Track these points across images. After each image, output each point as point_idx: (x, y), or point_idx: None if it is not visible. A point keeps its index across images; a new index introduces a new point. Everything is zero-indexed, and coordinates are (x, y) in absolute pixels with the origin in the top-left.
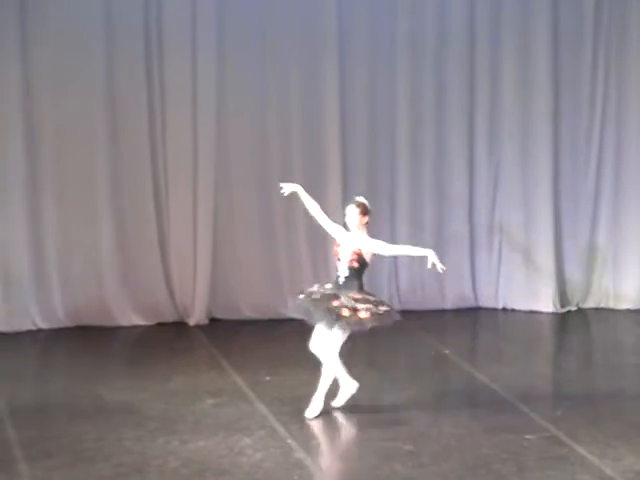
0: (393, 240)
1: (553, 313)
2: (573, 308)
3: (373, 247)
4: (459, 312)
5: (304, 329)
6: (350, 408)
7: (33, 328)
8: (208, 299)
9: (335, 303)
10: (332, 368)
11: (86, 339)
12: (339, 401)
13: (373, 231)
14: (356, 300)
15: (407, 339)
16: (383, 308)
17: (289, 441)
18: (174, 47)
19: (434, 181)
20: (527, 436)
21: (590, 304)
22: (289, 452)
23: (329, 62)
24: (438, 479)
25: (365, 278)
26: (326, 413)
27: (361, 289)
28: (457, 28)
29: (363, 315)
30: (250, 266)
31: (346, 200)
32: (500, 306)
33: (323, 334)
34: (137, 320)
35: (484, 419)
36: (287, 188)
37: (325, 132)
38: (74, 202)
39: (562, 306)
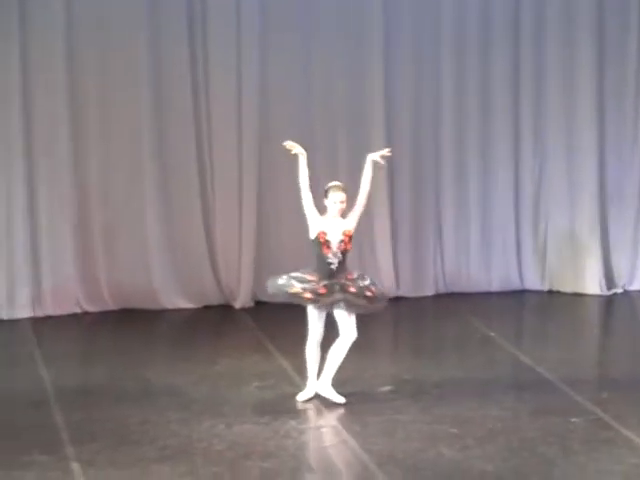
0: (438, 227)
1: (599, 295)
2: (619, 290)
3: (356, 217)
4: (505, 294)
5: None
6: (395, 391)
7: (79, 311)
8: (253, 282)
9: (353, 289)
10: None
11: (132, 322)
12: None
13: (422, 217)
14: (357, 279)
15: (453, 322)
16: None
17: (334, 423)
18: (218, 29)
19: (480, 167)
20: (573, 419)
21: (636, 286)
22: (334, 434)
23: (374, 49)
24: (483, 462)
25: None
26: (370, 396)
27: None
28: (502, 18)
29: (374, 289)
30: (295, 249)
31: (392, 191)
32: (546, 288)
33: (321, 324)
34: (183, 303)
35: (529, 402)
36: (294, 147)
37: (369, 122)
38: (120, 185)
39: (608, 288)
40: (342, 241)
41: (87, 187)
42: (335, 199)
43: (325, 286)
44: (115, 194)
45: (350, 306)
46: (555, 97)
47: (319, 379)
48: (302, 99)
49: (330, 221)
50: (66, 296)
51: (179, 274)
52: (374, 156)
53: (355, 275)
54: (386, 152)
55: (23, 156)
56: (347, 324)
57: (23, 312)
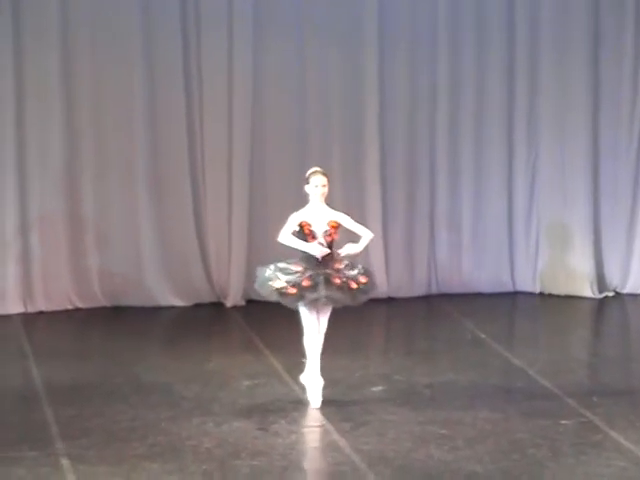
0: (430, 228)
1: (591, 298)
2: (610, 294)
3: (343, 220)
4: (496, 296)
5: (341, 311)
6: (386, 391)
7: (70, 307)
8: (245, 280)
9: (337, 281)
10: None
11: (123, 319)
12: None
13: (414, 218)
14: (344, 269)
15: (444, 323)
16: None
17: (324, 423)
18: (211, 24)
19: (473, 170)
20: (562, 421)
21: (628, 289)
22: (324, 434)
23: (368, 43)
24: (473, 463)
25: None
26: (361, 396)
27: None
28: (496, 12)
29: (363, 279)
30: (287, 247)
31: (384, 191)
32: (537, 291)
33: (314, 317)
34: (174, 301)
35: (519, 404)
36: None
37: (364, 115)
38: (112, 184)
39: (600, 291)
40: (327, 231)
41: (78, 184)
42: (316, 182)
43: (309, 277)
44: (107, 192)
45: (332, 301)
46: (549, 97)
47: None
48: (296, 94)
49: (314, 211)
50: (58, 292)
51: (170, 271)
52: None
53: (343, 265)
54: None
55: (15, 152)
56: (323, 319)
57: (14, 308)
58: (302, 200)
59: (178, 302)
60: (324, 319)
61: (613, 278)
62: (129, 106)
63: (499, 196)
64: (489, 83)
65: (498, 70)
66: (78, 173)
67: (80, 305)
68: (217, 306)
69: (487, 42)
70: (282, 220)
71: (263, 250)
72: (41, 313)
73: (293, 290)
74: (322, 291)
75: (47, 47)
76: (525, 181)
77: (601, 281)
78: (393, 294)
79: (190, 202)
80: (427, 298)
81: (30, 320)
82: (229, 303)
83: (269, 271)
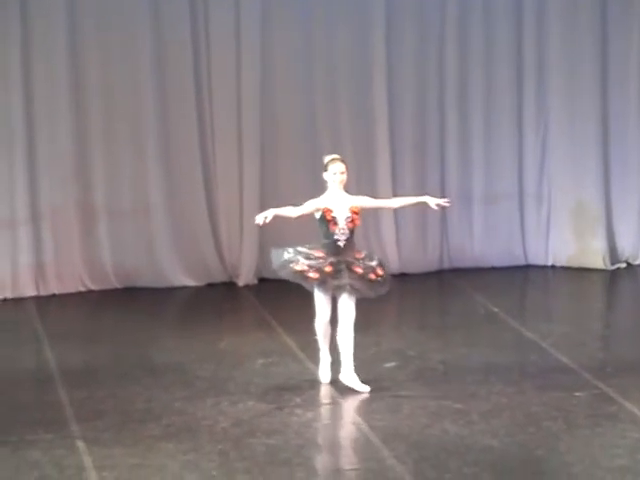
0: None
1: (603, 270)
2: (623, 265)
3: (365, 202)
4: (509, 270)
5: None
6: (399, 367)
7: (83, 290)
8: (257, 259)
9: (359, 270)
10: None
11: (135, 300)
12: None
13: (425, 193)
14: (364, 259)
15: (456, 297)
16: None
17: (339, 400)
18: (219, 6)
19: (484, 144)
20: (577, 393)
21: None
22: (339, 411)
23: (377, 21)
24: (488, 437)
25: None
26: (375, 373)
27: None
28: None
29: (380, 271)
30: (299, 226)
31: (395, 167)
32: (550, 263)
33: (329, 305)
34: (186, 281)
35: (534, 377)
36: (261, 218)
37: (372, 93)
38: (123, 163)
39: (612, 263)
40: (349, 217)
41: (90, 167)
42: (335, 170)
43: (332, 264)
44: (118, 174)
45: (354, 291)
46: (558, 76)
47: (341, 369)
48: (304, 73)
49: (334, 197)
50: (70, 275)
51: (182, 252)
52: (431, 200)
53: (363, 254)
54: (443, 202)
55: (24, 140)
56: (347, 306)
57: (27, 291)
58: (313, 178)
59: (190, 282)
60: (348, 308)
61: (625, 249)
62: (138, 90)
63: (510, 170)
64: (498, 58)
65: (507, 45)
66: (89, 155)
67: (92, 287)
68: (229, 285)
69: (495, 17)
70: (294, 198)
71: (275, 229)
72: (54, 296)
73: (316, 275)
74: (345, 279)
75: (54, 34)
76: (535, 154)
77: (613, 253)
78: (405, 270)
79: (201, 183)
80: (439, 273)
81: (43, 303)
82: (241, 282)
83: (288, 254)
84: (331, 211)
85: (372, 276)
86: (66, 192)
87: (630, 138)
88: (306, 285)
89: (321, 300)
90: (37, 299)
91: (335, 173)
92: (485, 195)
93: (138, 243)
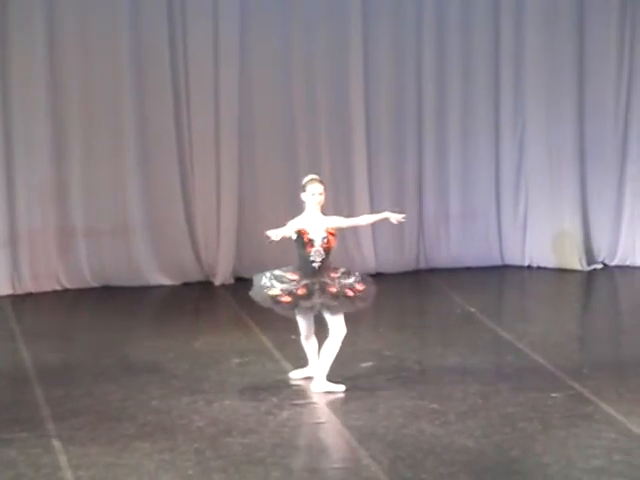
0: (418, 203)
1: (579, 271)
2: (599, 266)
3: (339, 222)
4: (485, 270)
5: None
6: (376, 367)
7: (59, 288)
8: (233, 259)
9: (333, 289)
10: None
11: (112, 299)
12: (299, 374)
13: (402, 193)
14: (340, 277)
15: (433, 297)
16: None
17: (315, 400)
18: (197, 7)
19: (461, 143)
20: (552, 394)
21: (616, 262)
22: (315, 411)
23: (354, 20)
24: (464, 437)
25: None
26: (351, 372)
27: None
28: None
29: (359, 287)
30: (275, 225)
31: (371, 166)
32: (526, 264)
33: (308, 322)
34: (163, 280)
35: (510, 378)
36: (274, 234)
37: (349, 93)
38: (100, 166)
39: (588, 264)
40: (325, 238)
41: (67, 165)
42: (313, 191)
43: (305, 286)
44: (95, 173)
45: (330, 309)
46: (535, 70)
47: (313, 379)
48: (282, 76)
49: (311, 218)
50: (46, 273)
51: (159, 251)
52: (392, 216)
53: (339, 273)
54: (401, 218)
55: (1, 132)
56: (334, 322)
57: (3, 289)
58: (289, 177)
59: (167, 281)
60: (333, 324)
61: (601, 250)
62: (116, 91)
63: (487, 171)
64: (475, 55)
65: (484, 51)
66: (66, 156)
67: (68, 286)
68: (206, 285)
69: (472, 23)
70: (271, 197)
71: (252, 228)
72: (30, 295)
73: (288, 298)
74: (316, 299)
75: (33, 39)
76: (512, 155)
77: (589, 254)
78: (381, 269)
79: (178, 182)
80: (416, 273)
81: (19, 301)
82: (218, 281)
83: (265, 278)
84: (307, 233)
85: (349, 293)
86: (42, 192)
87: (606, 141)
88: (279, 310)
89: (300, 319)
90: (13, 298)
91: (314, 194)
92: (462, 195)
93: (114, 242)
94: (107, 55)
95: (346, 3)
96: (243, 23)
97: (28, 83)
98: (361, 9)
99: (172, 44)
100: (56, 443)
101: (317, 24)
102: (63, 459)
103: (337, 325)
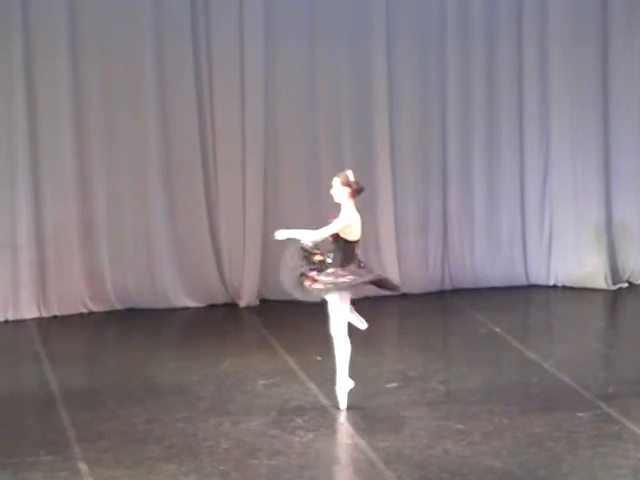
0: (443, 224)
1: (605, 290)
2: (625, 285)
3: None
4: (510, 290)
5: (355, 307)
6: (401, 388)
7: (84, 311)
8: (258, 280)
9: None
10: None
11: (137, 322)
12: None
13: (427, 214)
14: (322, 272)
15: (458, 318)
16: (344, 279)
17: (341, 421)
18: (222, 22)
19: (486, 163)
20: (579, 414)
21: None
22: (341, 432)
23: (377, 37)
24: (490, 458)
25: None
26: (377, 393)
27: (344, 264)
28: (505, 4)
29: (316, 286)
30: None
31: (396, 187)
32: (551, 283)
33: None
34: (188, 302)
35: (536, 397)
36: (280, 235)
37: (373, 106)
38: (124, 188)
39: (614, 283)
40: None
41: (92, 188)
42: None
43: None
44: (119, 194)
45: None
46: (560, 88)
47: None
48: (307, 94)
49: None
50: (71, 296)
51: (184, 273)
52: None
53: (333, 270)
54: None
55: (27, 159)
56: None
57: (28, 312)
58: (315, 200)
59: (192, 303)
60: (332, 312)
61: (627, 269)
62: (140, 110)
63: (512, 191)
64: (499, 75)
65: (508, 60)
66: (90, 178)
67: (94, 309)
68: (231, 306)
69: (496, 34)
70: (295, 218)
71: (277, 250)
72: (55, 317)
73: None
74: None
75: (55, 49)
76: (537, 175)
77: (615, 273)
78: (406, 290)
79: (203, 204)
80: (440, 294)
81: (44, 325)
82: (243, 303)
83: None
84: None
85: (341, 279)
86: (67, 215)
87: (632, 157)
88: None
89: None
90: (39, 321)
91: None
92: (486, 215)
93: (139, 264)
94: (131, 72)
95: (370, 19)
96: (267, 39)
97: (53, 96)
98: (385, 24)
99: (196, 62)
100: (82, 466)
101: (341, 41)
102: None
103: (334, 317)
